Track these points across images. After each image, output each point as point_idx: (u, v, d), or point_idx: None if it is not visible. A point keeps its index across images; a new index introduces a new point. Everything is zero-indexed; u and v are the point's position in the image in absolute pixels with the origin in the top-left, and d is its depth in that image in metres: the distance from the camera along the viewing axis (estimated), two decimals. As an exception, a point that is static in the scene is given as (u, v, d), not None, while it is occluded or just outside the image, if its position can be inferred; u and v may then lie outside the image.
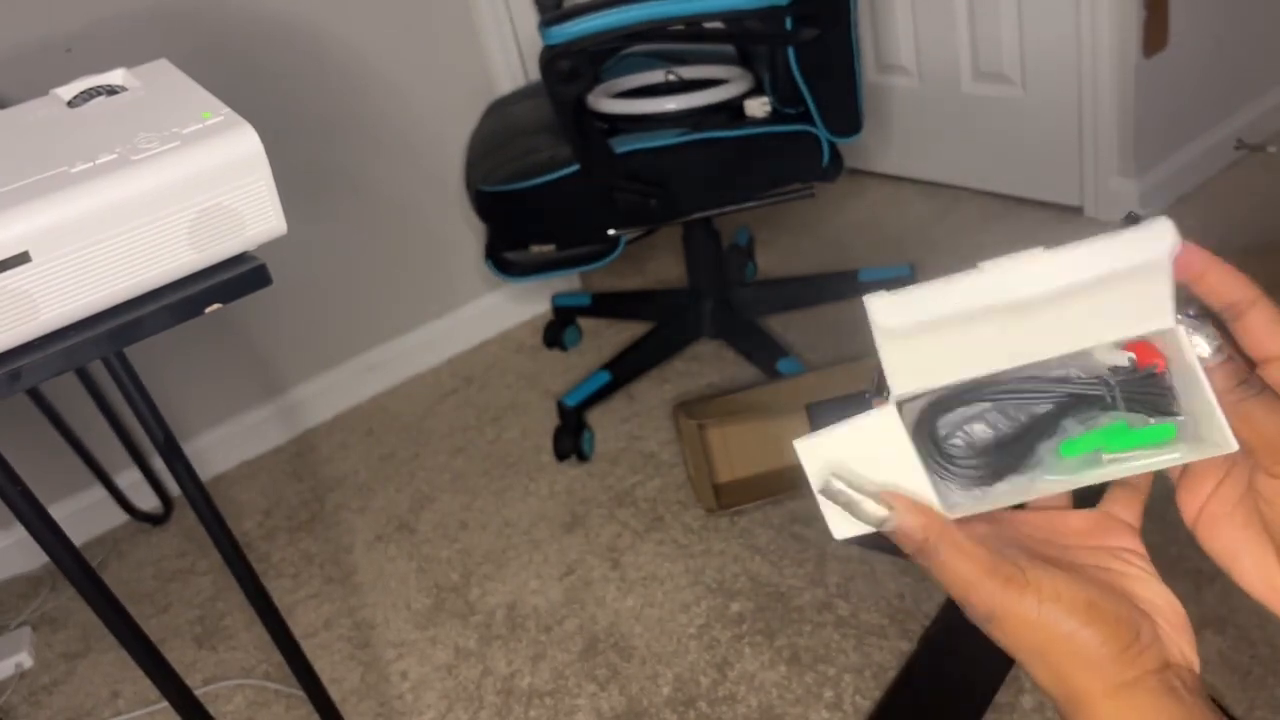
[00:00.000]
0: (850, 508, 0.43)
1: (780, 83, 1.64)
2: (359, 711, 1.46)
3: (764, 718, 1.32)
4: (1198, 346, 0.40)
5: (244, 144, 0.76)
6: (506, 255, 1.82)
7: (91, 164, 0.72)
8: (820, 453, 0.44)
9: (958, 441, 0.44)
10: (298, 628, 1.62)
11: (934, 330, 0.42)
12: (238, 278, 0.79)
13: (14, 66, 1.68)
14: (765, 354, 1.91)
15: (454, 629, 1.57)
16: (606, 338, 2.22)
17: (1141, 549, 0.48)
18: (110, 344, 0.75)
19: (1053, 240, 0.42)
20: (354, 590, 1.69)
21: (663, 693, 1.39)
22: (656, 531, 1.66)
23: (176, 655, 1.63)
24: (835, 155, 1.67)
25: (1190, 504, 0.46)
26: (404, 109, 2.10)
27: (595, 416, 1.95)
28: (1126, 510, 0.50)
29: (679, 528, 1.65)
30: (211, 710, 0.95)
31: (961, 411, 0.44)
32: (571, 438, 1.86)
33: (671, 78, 1.84)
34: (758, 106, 1.68)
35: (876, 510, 0.42)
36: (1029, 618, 0.41)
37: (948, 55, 2.33)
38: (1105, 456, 0.44)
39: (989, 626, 0.43)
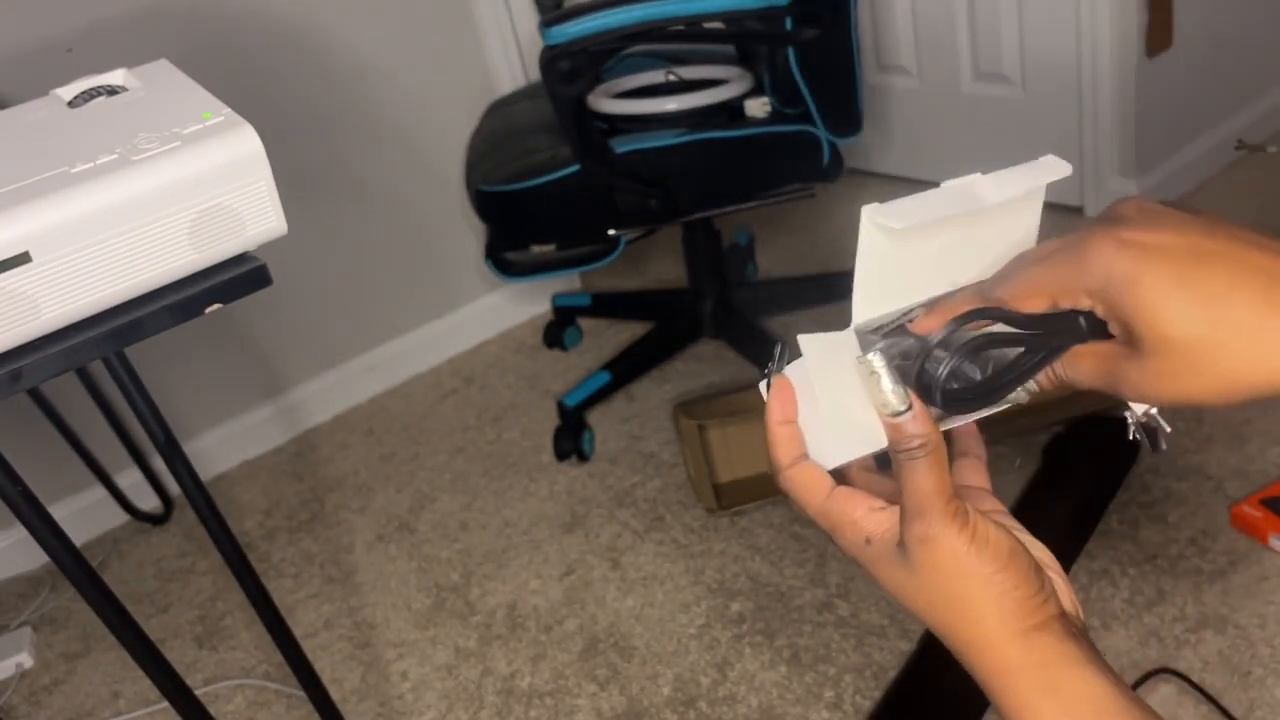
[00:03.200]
0: (876, 391, 0.45)
1: (780, 83, 1.64)
2: (359, 711, 1.47)
3: (764, 718, 1.32)
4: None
5: (244, 144, 0.76)
6: (507, 255, 1.82)
7: (92, 164, 0.72)
8: (822, 349, 0.48)
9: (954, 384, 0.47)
10: (298, 628, 1.62)
11: (914, 240, 0.46)
12: (238, 278, 0.79)
13: (14, 66, 1.68)
14: (765, 354, 1.91)
15: (454, 629, 1.57)
16: (606, 338, 2.22)
17: (1005, 510, 0.52)
18: (111, 344, 0.76)
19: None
20: (354, 590, 1.69)
21: (663, 693, 1.39)
22: (657, 531, 1.66)
23: (177, 655, 1.63)
24: (835, 155, 1.67)
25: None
26: (404, 109, 2.10)
27: (595, 416, 1.95)
28: (977, 477, 0.54)
29: (679, 528, 1.65)
30: (212, 710, 0.95)
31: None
32: (572, 438, 1.86)
33: (671, 78, 1.84)
34: (758, 106, 1.68)
35: (897, 400, 0.45)
36: (958, 552, 0.45)
37: (948, 55, 2.33)
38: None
39: (918, 548, 0.45)
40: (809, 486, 0.51)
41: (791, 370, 0.51)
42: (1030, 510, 1.50)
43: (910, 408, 0.45)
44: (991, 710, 0.45)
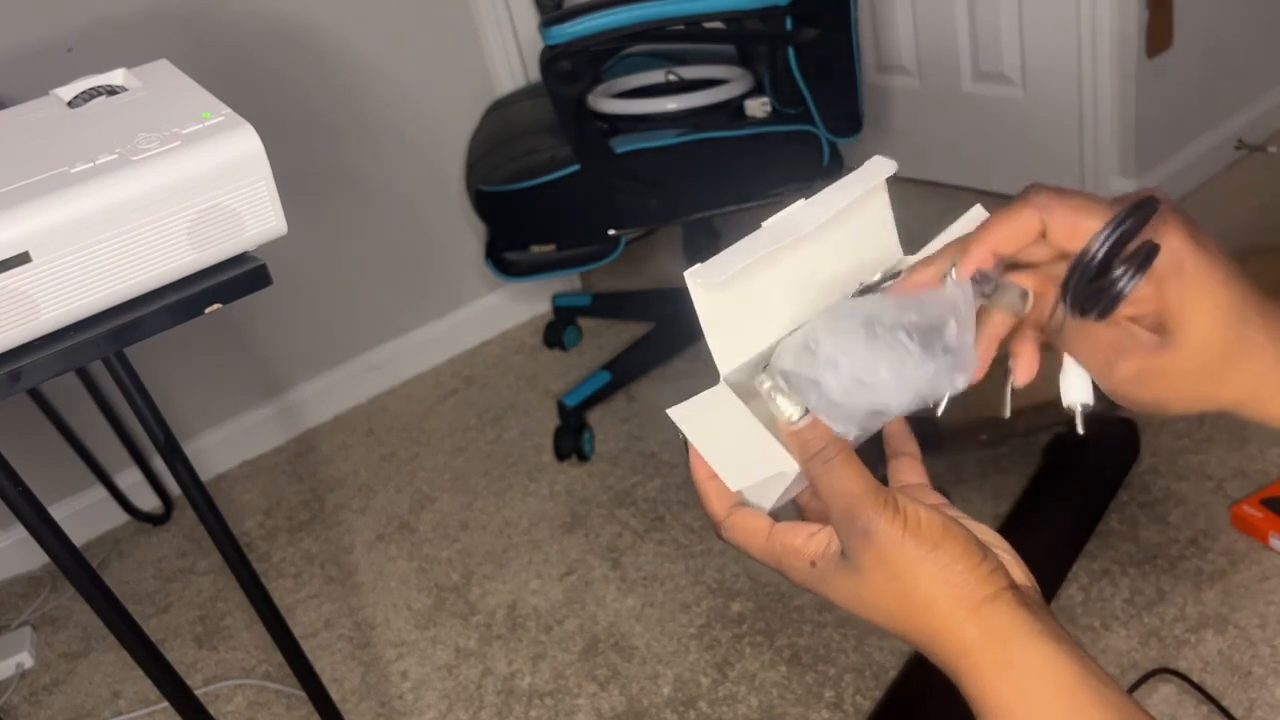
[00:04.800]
0: (777, 402, 0.46)
1: (780, 83, 1.64)
2: (359, 711, 1.47)
3: (764, 718, 1.32)
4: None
5: (244, 144, 0.76)
6: (507, 255, 1.82)
7: (92, 164, 0.72)
8: (698, 412, 0.50)
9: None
10: (298, 628, 1.62)
11: (745, 284, 0.48)
12: (238, 278, 0.79)
13: (14, 66, 1.68)
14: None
15: (454, 629, 1.57)
16: (607, 338, 2.22)
17: (947, 501, 0.52)
18: (111, 344, 0.75)
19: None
20: (354, 590, 1.69)
21: (663, 693, 1.39)
22: (657, 531, 1.66)
23: (177, 655, 1.63)
24: (835, 155, 1.67)
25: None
26: (405, 109, 2.10)
27: (595, 416, 1.95)
28: (914, 474, 0.55)
29: (679, 528, 1.65)
30: (212, 710, 0.95)
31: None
32: (572, 438, 1.86)
33: (672, 78, 1.85)
34: (758, 106, 1.68)
35: (794, 408, 0.46)
36: (895, 539, 0.45)
37: (948, 55, 2.33)
38: None
39: (859, 547, 0.46)
40: (749, 530, 0.51)
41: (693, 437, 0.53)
42: (1030, 510, 1.50)
43: (806, 413, 0.46)
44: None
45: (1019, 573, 0.47)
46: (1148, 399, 0.47)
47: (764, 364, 0.48)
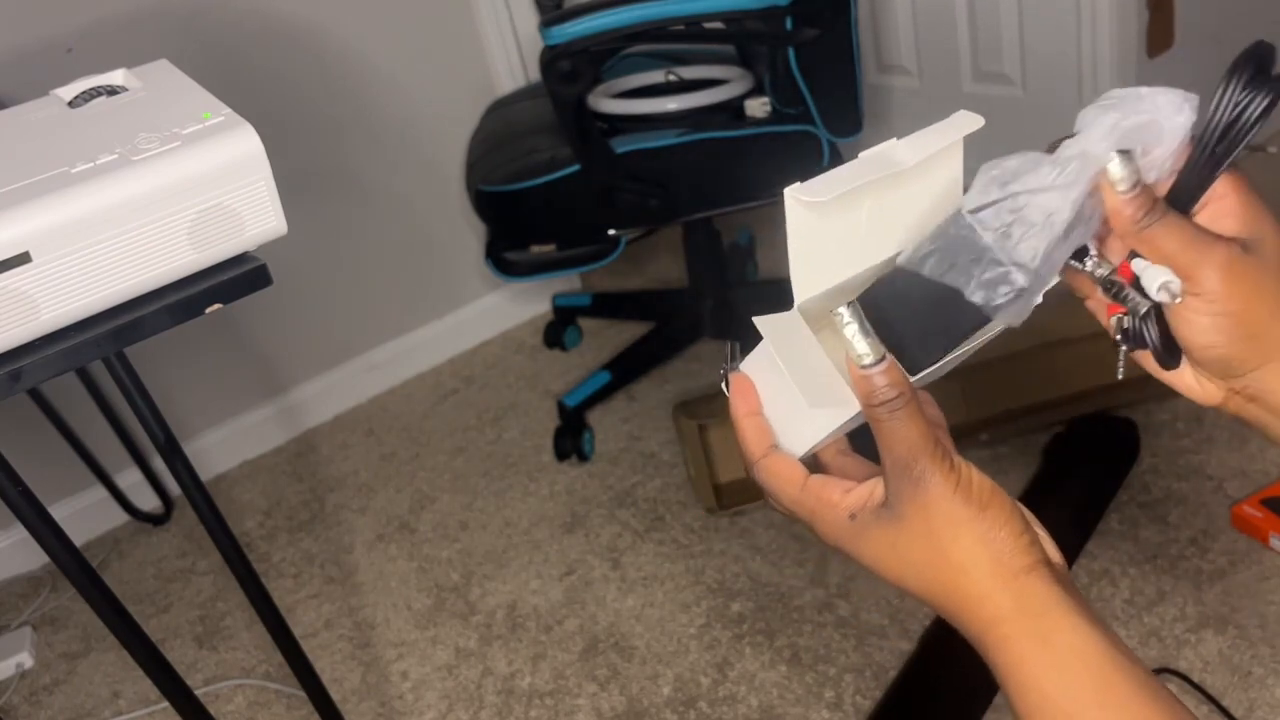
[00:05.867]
0: (853, 341, 0.45)
1: (780, 83, 1.64)
2: (359, 711, 1.47)
3: (764, 718, 1.32)
4: (1112, 170, 0.45)
5: (244, 144, 0.76)
6: (507, 255, 1.82)
7: (92, 164, 0.72)
8: (775, 328, 0.49)
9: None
10: (298, 628, 1.62)
11: (840, 210, 0.47)
12: (238, 278, 0.79)
13: (14, 67, 1.68)
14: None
15: (454, 629, 1.57)
16: (607, 338, 2.22)
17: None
18: (111, 344, 0.75)
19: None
20: (354, 590, 1.69)
21: (663, 693, 1.39)
22: (657, 531, 1.66)
23: (177, 655, 1.63)
24: (835, 155, 1.67)
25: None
26: (404, 109, 2.10)
27: (595, 416, 1.95)
28: (945, 439, 0.54)
29: (679, 528, 1.65)
30: (212, 710, 0.95)
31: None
32: (572, 438, 1.86)
33: (672, 78, 1.84)
34: (758, 106, 1.68)
35: (870, 351, 0.45)
36: (947, 492, 0.45)
37: (948, 55, 2.33)
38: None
39: (908, 494, 0.45)
40: (783, 476, 0.51)
41: (748, 364, 0.52)
42: (1030, 510, 1.50)
43: (884, 358, 0.45)
44: (992, 709, 0.45)
45: (1052, 550, 0.47)
46: (1227, 309, 0.46)
47: (842, 296, 0.47)
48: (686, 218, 1.79)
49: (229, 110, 0.78)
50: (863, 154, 0.48)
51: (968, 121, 0.50)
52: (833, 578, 1.49)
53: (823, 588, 1.48)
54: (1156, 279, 0.46)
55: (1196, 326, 0.46)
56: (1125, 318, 0.49)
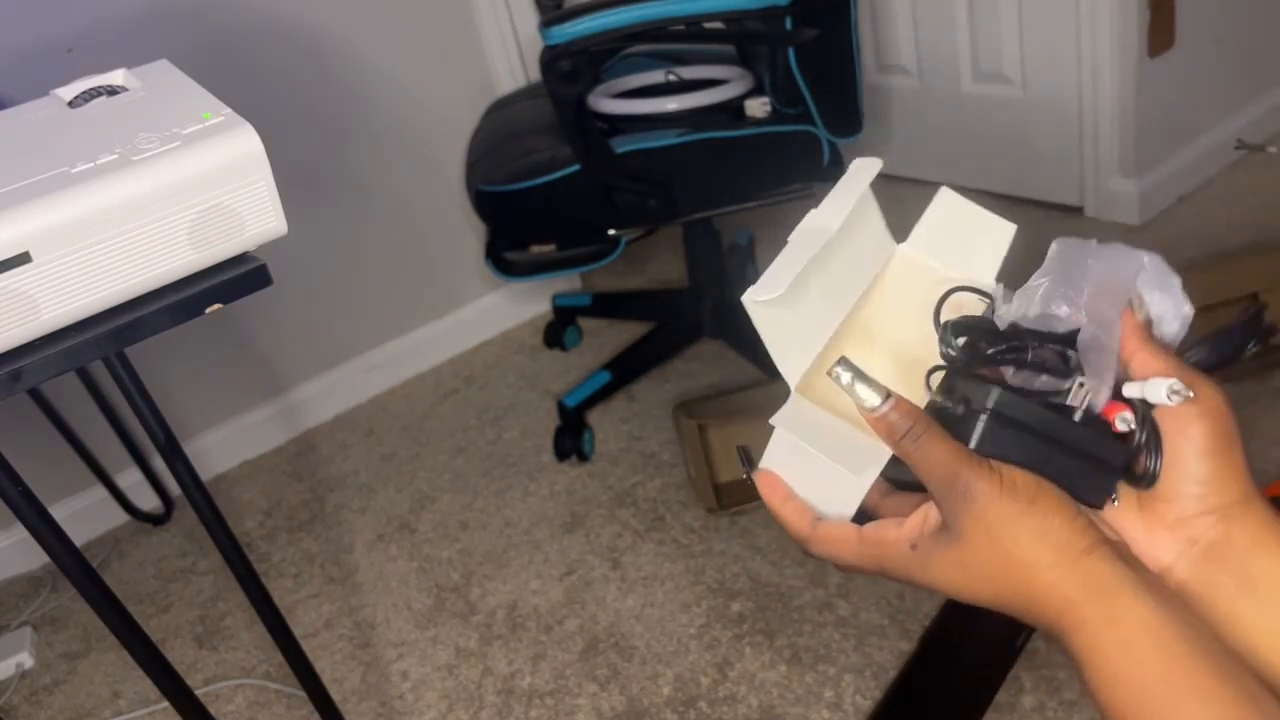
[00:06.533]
0: (857, 391, 0.48)
1: (780, 83, 1.64)
2: (359, 711, 1.47)
3: (764, 718, 1.32)
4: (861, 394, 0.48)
5: (244, 144, 0.76)
6: (507, 255, 1.82)
7: (92, 164, 0.72)
8: (791, 420, 0.52)
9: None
10: (298, 628, 1.62)
11: (796, 294, 0.50)
12: (238, 278, 0.79)
13: (14, 67, 1.68)
14: (766, 354, 1.91)
15: (454, 629, 1.57)
16: (607, 338, 2.22)
17: None
18: (111, 344, 0.76)
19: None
20: (354, 590, 1.69)
21: (663, 693, 1.39)
22: (657, 531, 1.66)
23: (177, 655, 1.63)
24: (835, 155, 1.67)
25: None
26: (405, 109, 2.10)
27: (595, 416, 1.95)
28: None
29: (679, 528, 1.65)
30: (212, 710, 0.95)
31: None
32: (572, 438, 1.86)
33: (672, 78, 1.84)
34: (758, 106, 1.68)
35: (874, 395, 0.47)
36: (994, 496, 0.46)
37: (948, 55, 2.33)
38: None
39: (961, 512, 0.46)
40: (838, 539, 0.51)
41: (767, 460, 0.54)
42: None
43: (889, 395, 0.47)
44: (992, 709, 0.45)
45: (1107, 529, 0.48)
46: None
47: (825, 364, 0.49)
48: (686, 218, 1.79)
49: (229, 110, 0.78)
50: (791, 236, 0.52)
51: (868, 167, 0.55)
52: (833, 578, 1.49)
53: (823, 587, 1.48)
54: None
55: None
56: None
